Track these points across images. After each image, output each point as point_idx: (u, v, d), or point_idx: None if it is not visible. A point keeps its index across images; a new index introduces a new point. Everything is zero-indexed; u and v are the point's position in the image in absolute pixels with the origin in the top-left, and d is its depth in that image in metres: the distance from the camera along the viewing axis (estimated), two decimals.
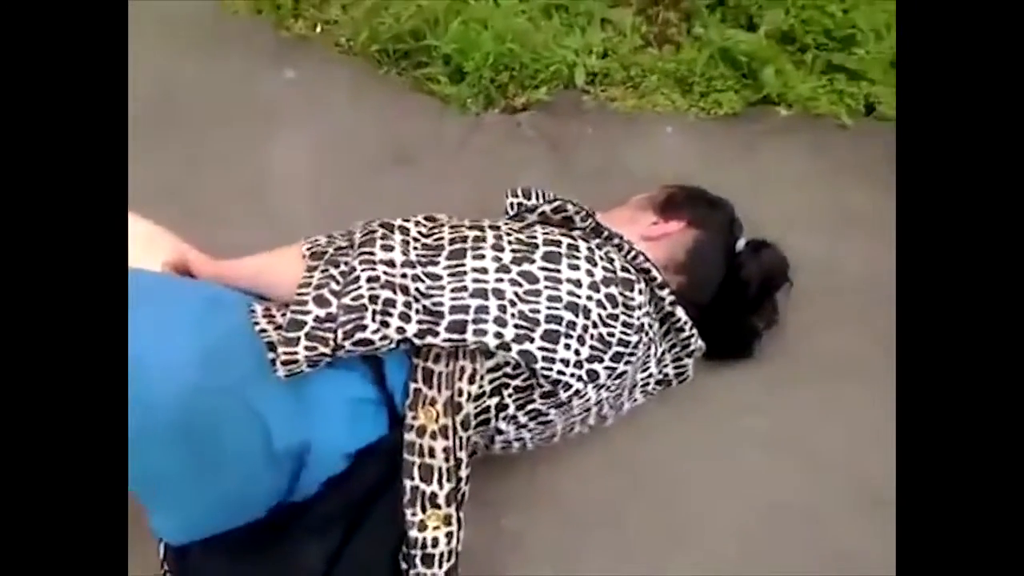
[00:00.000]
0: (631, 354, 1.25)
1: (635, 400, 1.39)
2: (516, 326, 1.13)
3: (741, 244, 1.43)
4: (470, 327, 1.11)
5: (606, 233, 1.27)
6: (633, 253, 1.26)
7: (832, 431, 1.49)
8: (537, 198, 1.55)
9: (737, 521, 1.42)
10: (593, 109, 1.86)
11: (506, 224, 1.23)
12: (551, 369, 1.16)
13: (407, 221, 1.21)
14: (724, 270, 1.40)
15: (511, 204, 1.54)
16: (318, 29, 1.96)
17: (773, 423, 1.50)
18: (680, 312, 1.31)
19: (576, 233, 1.25)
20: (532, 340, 1.14)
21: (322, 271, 1.13)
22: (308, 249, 1.22)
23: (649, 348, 1.30)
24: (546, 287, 1.16)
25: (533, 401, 1.23)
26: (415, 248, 1.16)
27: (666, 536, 1.40)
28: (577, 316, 1.17)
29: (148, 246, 1.31)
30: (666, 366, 1.39)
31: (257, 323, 1.15)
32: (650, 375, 1.37)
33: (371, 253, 1.13)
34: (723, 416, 1.50)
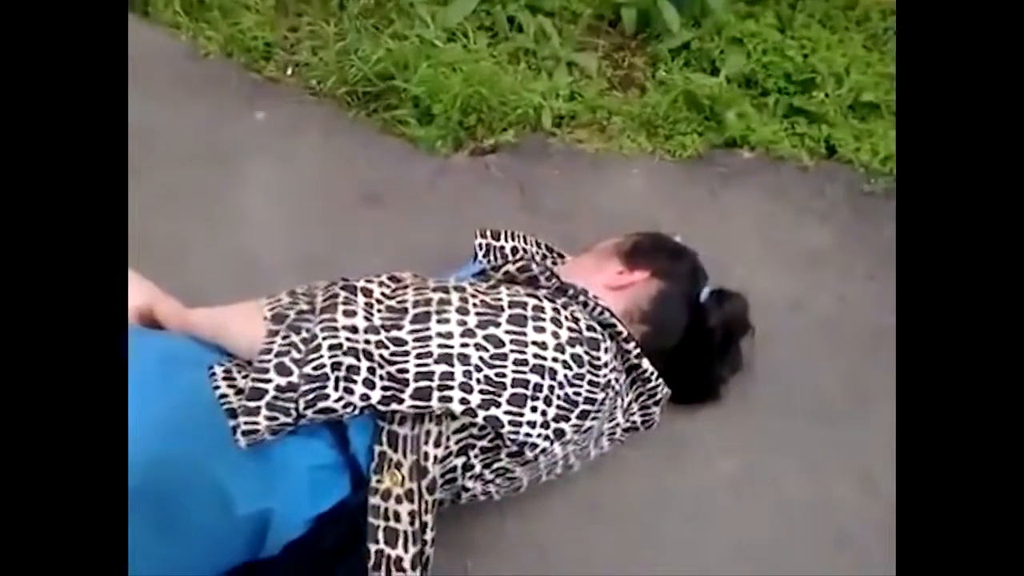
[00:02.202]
0: (597, 411, 1.21)
1: (602, 448, 1.35)
2: (482, 391, 1.08)
3: (705, 294, 1.39)
4: (435, 394, 1.07)
5: (571, 291, 1.22)
6: (599, 309, 1.21)
7: (800, 472, 1.45)
8: (506, 239, 1.51)
9: (708, 564, 1.37)
10: (560, 151, 1.82)
11: (471, 285, 1.18)
12: (518, 432, 1.11)
13: (370, 282, 1.15)
14: (688, 319, 1.36)
15: (480, 245, 1.50)
16: (289, 72, 1.91)
17: (743, 465, 1.46)
18: (646, 364, 1.28)
19: (541, 293, 1.20)
20: (498, 405, 1.09)
21: (283, 337, 1.08)
22: (270, 310, 1.16)
23: (615, 401, 1.26)
24: (512, 350, 1.11)
25: (500, 460, 1.18)
26: (379, 311, 1.11)
27: None
28: (543, 378, 1.12)
29: None
30: (633, 414, 1.35)
31: (217, 387, 1.10)
32: (616, 424, 1.32)
33: (333, 319, 1.07)
34: (693, 458, 1.46)
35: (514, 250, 1.52)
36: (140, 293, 1.28)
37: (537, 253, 1.54)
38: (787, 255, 1.67)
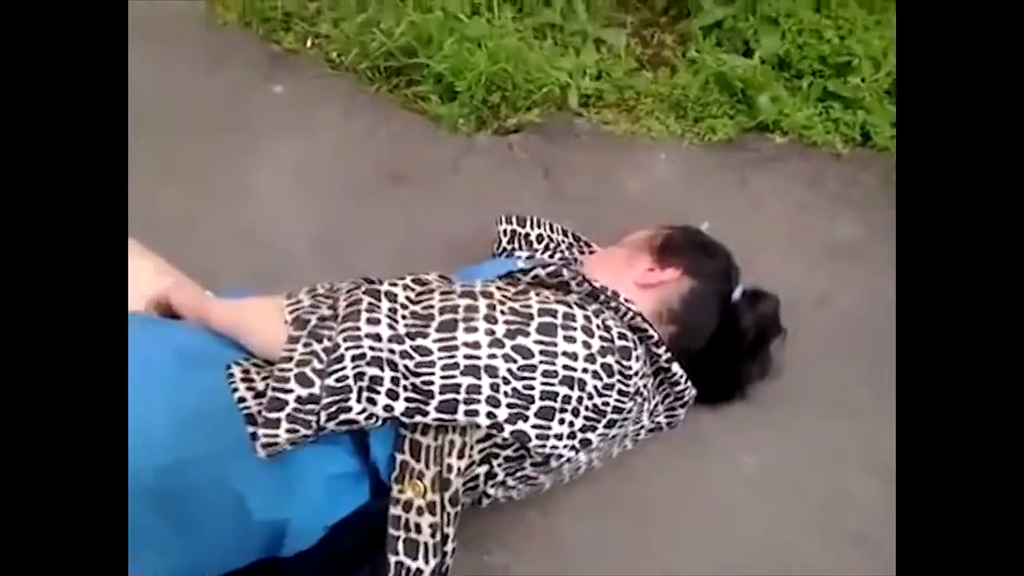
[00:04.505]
0: (624, 419, 1.14)
1: (625, 447, 1.28)
2: (509, 405, 1.01)
3: (737, 294, 1.30)
4: (461, 407, 1.00)
5: (602, 297, 1.14)
6: (630, 314, 1.13)
7: (822, 469, 1.38)
8: (531, 226, 1.43)
9: (726, 560, 1.31)
10: (586, 132, 1.72)
11: (499, 290, 1.09)
12: (544, 445, 1.05)
13: (394, 285, 1.07)
14: (718, 320, 1.28)
15: (503, 231, 1.43)
16: (308, 44, 1.81)
17: (764, 462, 1.39)
18: (676, 367, 1.20)
19: (572, 298, 1.12)
20: (526, 419, 1.02)
21: (304, 344, 1.01)
22: (291, 313, 1.08)
23: (643, 405, 1.18)
24: (541, 362, 1.03)
25: (524, 469, 1.12)
26: (403, 318, 1.03)
27: (655, 573, 1.30)
28: (572, 389, 1.05)
29: (139, 276, 1.21)
30: (658, 416, 1.28)
31: (236, 388, 1.03)
32: (641, 426, 1.25)
33: (356, 328, 1.00)
34: (715, 454, 1.39)
35: (539, 237, 1.43)
36: (157, 279, 1.22)
37: (563, 241, 1.45)
38: (817, 245, 1.58)
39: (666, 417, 1.29)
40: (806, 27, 1.72)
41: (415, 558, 1.02)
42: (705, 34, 1.78)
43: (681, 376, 1.22)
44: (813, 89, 1.71)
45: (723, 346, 1.29)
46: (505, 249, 1.42)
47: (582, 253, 1.45)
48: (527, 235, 1.43)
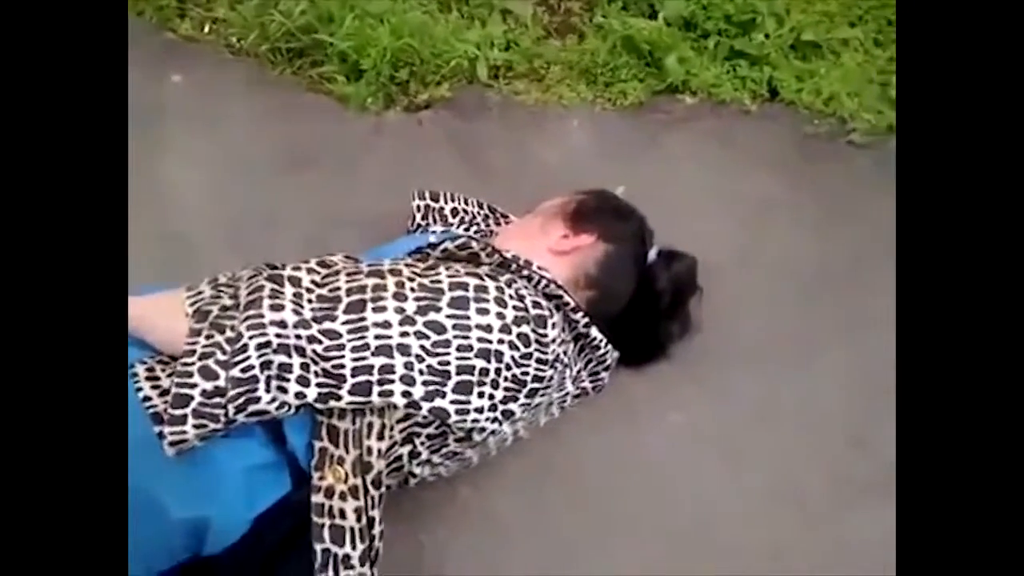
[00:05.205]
0: (546, 387, 1.13)
1: (552, 415, 1.27)
2: (425, 383, 0.99)
3: (652, 255, 1.30)
4: (375, 388, 0.97)
5: (514, 266, 1.12)
6: (544, 282, 1.12)
7: (752, 424, 1.39)
8: (445, 200, 1.41)
9: (665, 521, 1.32)
10: (498, 104, 1.69)
11: (408, 267, 1.07)
12: (465, 420, 1.03)
13: (298, 270, 1.04)
14: (635, 282, 1.28)
15: (417, 207, 1.40)
16: (205, 29, 1.74)
17: (694, 419, 1.40)
18: (595, 332, 1.20)
19: (483, 270, 1.10)
20: (443, 395, 1.00)
21: (207, 336, 0.97)
22: (191, 304, 1.04)
23: (564, 372, 1.18)
24: (455, 336, 1.01)
25: (447, 445, 1.11)
26: (309, 302, 1.00)
27: (594, 539, 1.30)
28: (489, 362, 1.03)
29: None
30: (583, 382, 1.27)
31: (140, 388, 0.99)
32: (567, 393, 1.25)
33: (259, 315, 0.97)
34: (643, 414, 1.40)
35: (454, 211, 1.41)
36: None
37: (479, 214, 1.43)
38: (734, 202, 1.58)
39: (591, 382, 1.29)
40: None
41: (342, 544, 0.99)
42: None
43: (601, 340, 1.21)
44: (720, 48, 1.71)
45: (641, 307, 1.29)
46: (420, 225, 1.40)
47: (498, 224, 1.43)
48: (441, 209, 1.40)
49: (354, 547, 1.00)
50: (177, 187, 1.56)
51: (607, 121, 1.68)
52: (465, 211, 1.42)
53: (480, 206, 1.44)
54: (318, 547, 0.99)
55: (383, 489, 1.04)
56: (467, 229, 1.40)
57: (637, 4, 1.76)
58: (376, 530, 1.02)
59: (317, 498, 1.00)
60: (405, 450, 1.08)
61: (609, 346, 1.23)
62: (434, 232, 1.38)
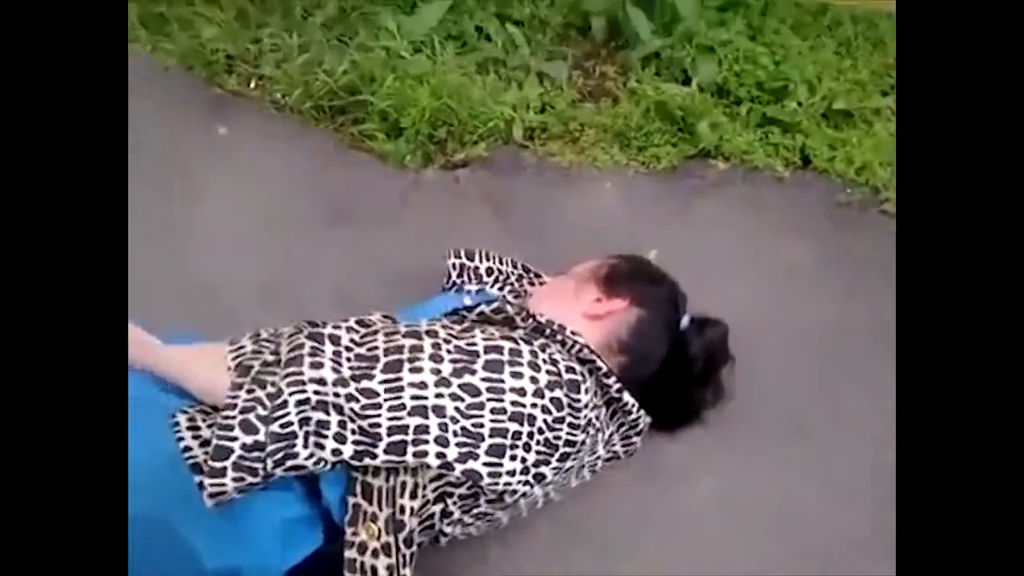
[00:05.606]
0: (578, 451, 1.14)
1: (583, 478, 1.27)
2: (459, 444, 1.01)
3: (685, 321, 1.31)
4: (410, 448, 0.99)
5: (547, 331, 1.14)
6: (577, 347, 1.13)
7: (782, 492, 1.39)
8: (480, 259, 1.43)
9: None
10: (532, 164, 1.73)
11: (444, 328, 1.09)
12: (497, 483, 1.04)
13: (338, 328, 1.07)
14: (667, 348, 1.29)
15: (453, 265, 1.42)
16: (252, 85, 1.80)
17: (723, 484, 1.40)
18: (627, 397, 1.20)
19: (518, 334, 1.12)
20: (476, 457, 1.01)
21: (248, 391, 1.00)
22: (233, 359, 1.08)
23: (596, 436, 1.18)
24: (489, 399, 1.03)
25: (479, 506, 1.11)
26: (347, 360, 1.02)
27: None
28: (523, 425, 1.04)
29: None
30: (614, 445, 1.27)
31: (181, 437, 1.02)
32: (598, 457, 1.25)
33: (299, 372, 0.99)
34: (674, 478, 1.40)
35: (488, 270, 1.43)
36: None
37: (513, 273, 1.45)
38: (764, 269, 1.60)
39: (623, 446, 1.29)
40: (742, 54, 1.76)
41: None
42: (644, 64, 1.80)
43: (633, 405, 1.22)
44: (752, 115, 1.74)
45: (673, 373, 1.29)
46: (455, 283, 1.42)
47: (532, 284, 1.45)
48: (476, 268, 1.43)
49: None
50: (215, 236, 1.60)
51: (639, 184, 1.71)
52: (499, 270, 1.44)
53: (514, 265, 1.47)
54: None
55: (415, 548, 1.05)
56: (501, 288, 1.42)
57: (670, 70, 1.80)
58: None
59: (350, 553, 1.01)
60: (437, 508, 1.09)
61: (642, 411, 1.24)
62: (468, 292, 1.40)
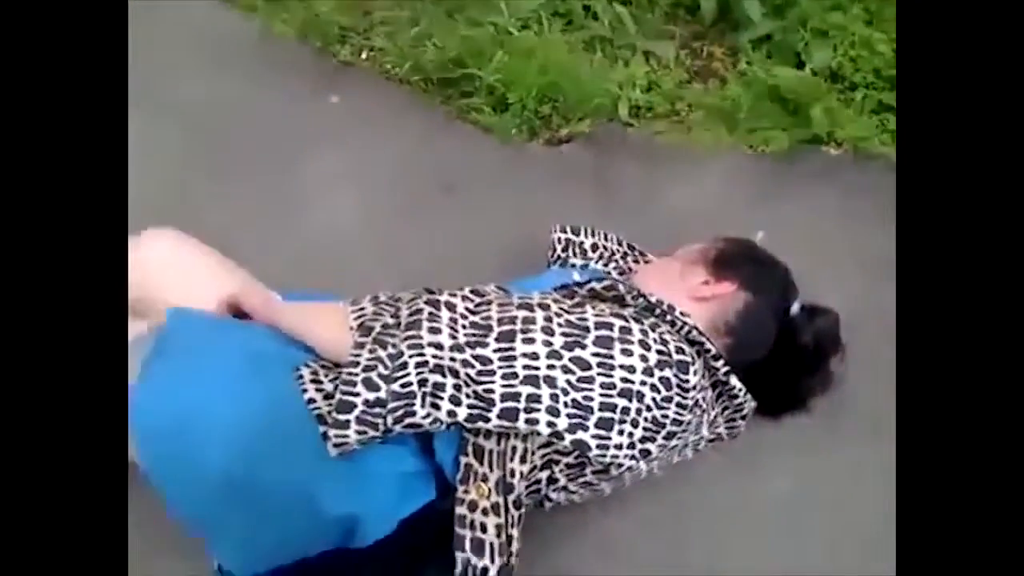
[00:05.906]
0: (684, 430, 1.15)
1: (685, 456, 1.27)
2: (569, 415, 1.02)
3: (795, 309, 1.29)
4: (522, 415, 1.01)
5: (658, 310, 1.14)
6: (687, 328, 1.13)
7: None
8: (586, 235, 1.43)
9: (770, 560, 1.33)
10: (637, 143, 1.73)
11: (556, 303, 1.10)
12: (605, 455, 1.05)
13: (454, 296, 1.09)
14: (775, 335, 1.27)
15: (558, 239, 1.43)
16: (363, 56, 1.84)
17: (820, 472, 1.39)
18: (734, 380, 1.20)
19: (628, 312, 1.12)
20: (586, 428, 1.03)
21: (370, 351, 1.03)
22: (356, 319, 1.12)
23: (702, 416, 1.19)
24: (599, 374, 1.04)
25: (584, 476, 1.13)
26: (463, 327, 1.05)
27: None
28: (631, 401, 1.05)
29: (213, 278, 1.24)
30: (718, 427, 1.27)
31: (305, 390, 1.06)
32: (701, 437, 1.25)
33: (419, 336, 1.02)
34: (773, 463, 1.39)
35: (594, 247, 1.44)
36: (228, 282, 1.23)
37: (618, 251, 1.45)
38: (874, 258, 1.55)
39: (727, 428, 1.29)
40: (858, 40, 1.72)
41: (482, 556, 1.03)
42: (755, 47, 1.78)
43: (740, 389, 1.21)
44: (867, 101, 1.70)
45: (783, 361, 1.28)
46: (560, 257, 1.43)
47: (636, 262, 1.45)
48: (581, 244, 1.43)
49: (492, 561, 1.03)
50: (326, 201, 1.65)
51: (746, 167, 1.69)
52: (604, 247, 1.44)
53: (619, 243, 1.47)
54: (459, 556, 1.03)
55: (523, 510, 1.07)
56: (605, 265, 1.43)
57: (782, 53, 1.77)
58: (514, 547, 1.06)
59: (461, 510, 1.04)
60: (544, 475, 1.11)
61: (748, 395, 1.23)
62: (574, 266, 1.41)
